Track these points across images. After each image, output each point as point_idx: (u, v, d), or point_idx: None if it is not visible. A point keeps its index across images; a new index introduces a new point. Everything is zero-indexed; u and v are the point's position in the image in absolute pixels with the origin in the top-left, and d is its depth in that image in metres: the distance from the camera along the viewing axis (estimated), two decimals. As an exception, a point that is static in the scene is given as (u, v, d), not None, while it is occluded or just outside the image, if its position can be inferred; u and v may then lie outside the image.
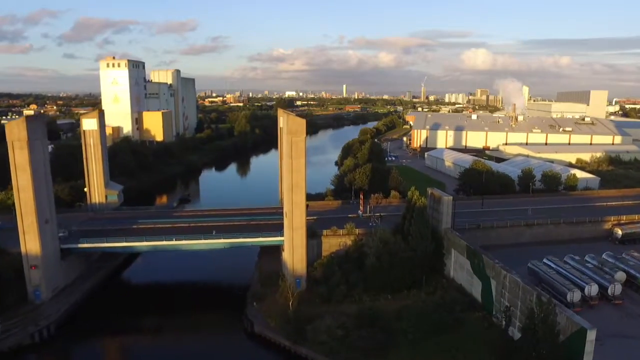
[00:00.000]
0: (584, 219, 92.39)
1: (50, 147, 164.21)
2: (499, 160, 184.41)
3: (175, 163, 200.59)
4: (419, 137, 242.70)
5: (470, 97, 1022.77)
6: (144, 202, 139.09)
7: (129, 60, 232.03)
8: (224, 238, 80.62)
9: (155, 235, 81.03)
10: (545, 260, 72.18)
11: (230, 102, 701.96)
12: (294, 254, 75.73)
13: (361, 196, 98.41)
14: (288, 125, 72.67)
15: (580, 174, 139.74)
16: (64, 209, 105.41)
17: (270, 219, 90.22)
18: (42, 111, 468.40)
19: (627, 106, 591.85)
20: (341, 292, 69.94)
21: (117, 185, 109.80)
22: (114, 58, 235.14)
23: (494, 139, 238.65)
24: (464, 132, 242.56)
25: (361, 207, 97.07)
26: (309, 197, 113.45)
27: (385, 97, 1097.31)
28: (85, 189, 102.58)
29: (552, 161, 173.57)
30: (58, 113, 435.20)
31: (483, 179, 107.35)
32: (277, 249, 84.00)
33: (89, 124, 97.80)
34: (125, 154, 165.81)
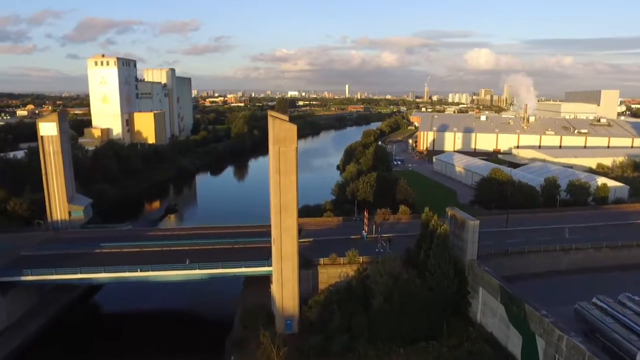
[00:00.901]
0: (630, 243, 77.36)
1: (23, 152, 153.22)
2: (513, 165, 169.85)
3: (166, 167, 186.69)
4: (425, 140, 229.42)
5: (474, 97, 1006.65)
6: (126, 212, 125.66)
7: (118, 58, 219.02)
8: (200, 268, 66.52)
9: (118, 265, 66.73)
10: (595, 301, 57.63)
11: (232, 102, 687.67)
12: (284, 289, 61.70)
13: (365, 213, 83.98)
14: (275, 131, 57.94)
15: (607, 182, 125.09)
16: (24, 227, 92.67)
17: (258, 241, 76.14)
18: (37, 111, 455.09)
19: (632, 106, 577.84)
20: (341, 343, 55.55)
21: (84, 199, 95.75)
22: (103, 56, 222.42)
23: (505, 142, 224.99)
24: (473, 134, 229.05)
25: (365, 227, 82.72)
26: (306, 210, 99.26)
27: (388, 97, 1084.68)
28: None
29: (571, 166, 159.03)
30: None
31: (509, 194, 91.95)
32: (266, 276, 70.03)
33: (46, 128, 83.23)
34: (108, 159, 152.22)
